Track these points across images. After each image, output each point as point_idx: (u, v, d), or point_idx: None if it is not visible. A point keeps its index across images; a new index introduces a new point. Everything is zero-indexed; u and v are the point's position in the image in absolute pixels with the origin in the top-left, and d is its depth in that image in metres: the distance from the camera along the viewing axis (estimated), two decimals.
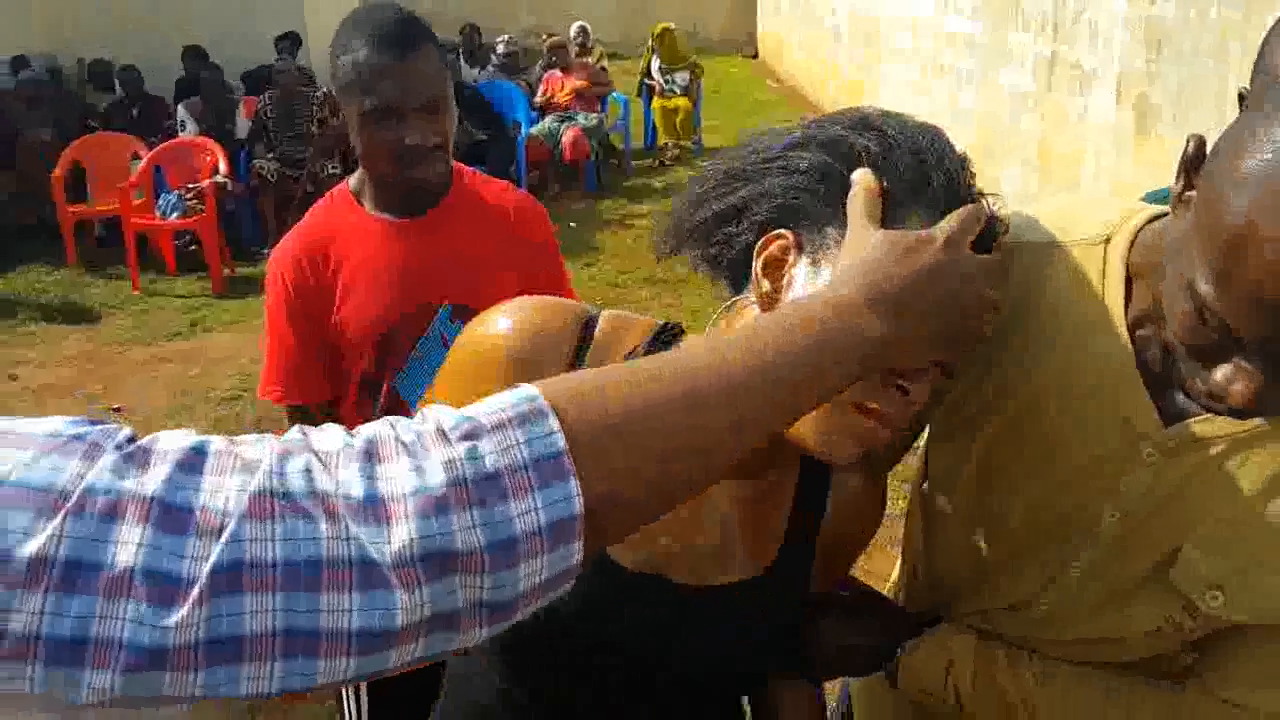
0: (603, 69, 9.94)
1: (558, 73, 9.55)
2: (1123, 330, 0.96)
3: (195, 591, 0.52)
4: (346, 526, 0.55)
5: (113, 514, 0.52)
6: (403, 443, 0.59)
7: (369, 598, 0.55)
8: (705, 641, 1.01)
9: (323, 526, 0.55)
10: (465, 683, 1.12)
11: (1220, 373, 0.82)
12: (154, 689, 0.52)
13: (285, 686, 0.55)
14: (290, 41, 9.05)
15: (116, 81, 8.96)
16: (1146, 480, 0.95)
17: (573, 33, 10.39)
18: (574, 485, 0.59)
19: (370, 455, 0.59)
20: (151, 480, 0.54)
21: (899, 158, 0.88)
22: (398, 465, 0.58)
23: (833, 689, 1.29)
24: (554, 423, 0.60)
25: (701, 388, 0.65)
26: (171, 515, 0.53)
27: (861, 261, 0.79)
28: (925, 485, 1.19)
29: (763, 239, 0.90)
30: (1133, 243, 0.98)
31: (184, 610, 0.52)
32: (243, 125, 8.10)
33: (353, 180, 1.85)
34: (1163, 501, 0.95)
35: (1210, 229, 0.75)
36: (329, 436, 0.60)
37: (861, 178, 0.86)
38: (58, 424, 0.56)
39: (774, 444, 1.01)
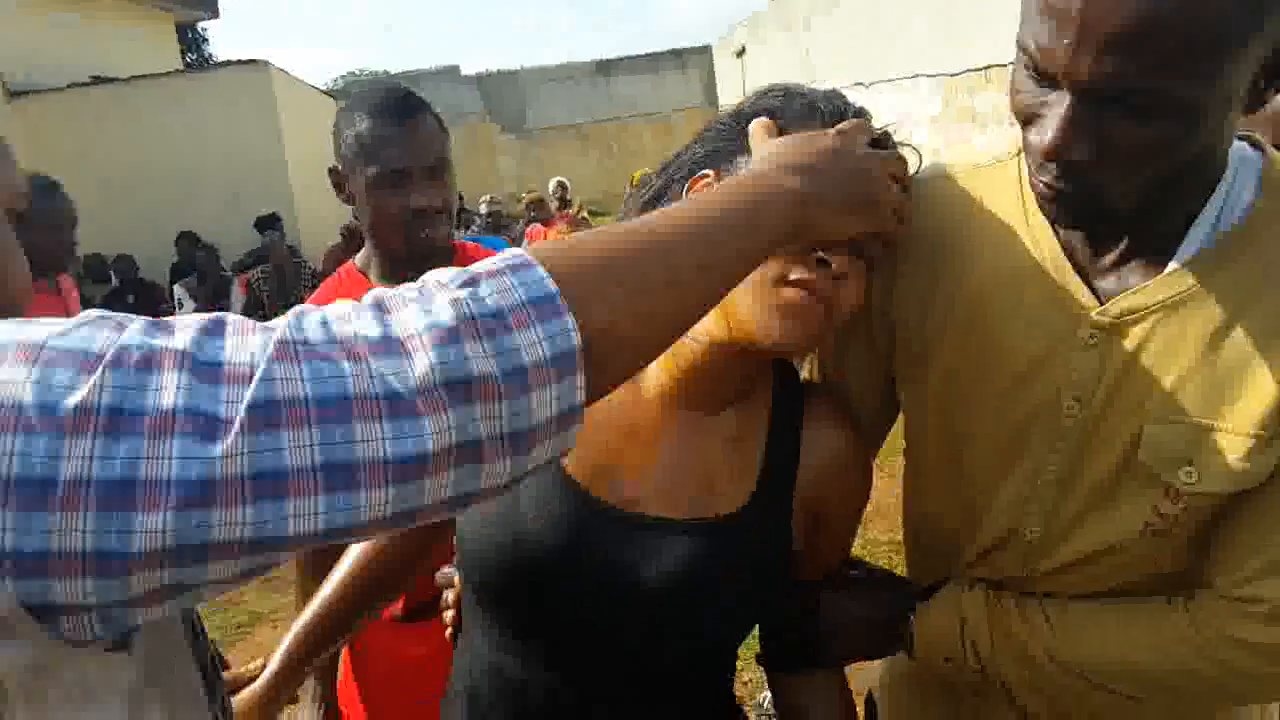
0: (584, 219, 10.24)
1: (539, 225, 9.82)
2: (1045, 225, 0.98)
3: (236, 427, 0.54)
4: (369, 363, 0.59)
5: (149, 364, 0.55)
6: (408, 295, 0.64)
7: (398, 425, 0.58)
8: (677, 577, 1.00)
9: (346, 365, 0.58)
10: (461, 672, 1.14)
11: (1033, 131, 0.87)
12: (204, 531, 0.54)
13: (330, 524, 0.57)
14: (274, 219, 9.37)
15: (111, 272, 9.21)
16: (1093, 363, 0.95)
17: (551, 188, 10.76)
18: (570, 320, 0.63)
19: (380, 306, 0.63)
20: (180, 339, 0.57)
21: (793, 103, 1.01)
22: (407, 310, 0.62)
23: (859, 693, 1.23)
24: (542, 270, 0.65)
25: (664, 235, 0.73)
26: (202, 368, 0.56)
27: (771, 150, 0.90)
28: (907, 442, 1.18)
29: (689, 182, 1.03)
30: None
31: (228, 441, 0.54)
32: (238, 300, 8.30)
33: (359, 258, 1.88)
34: (1114, 383, 0.94)
35: None
36: (336, 304, 0.64)
37: (758, 119, 0.99)
38: (87, 311, 0.59)
39: (742, 382, 1.06)
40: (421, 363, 0.59)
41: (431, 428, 0.59)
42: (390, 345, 0.60)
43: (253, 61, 10.46)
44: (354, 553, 1.24)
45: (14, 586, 0.53)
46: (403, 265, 1.79)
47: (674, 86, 17.62)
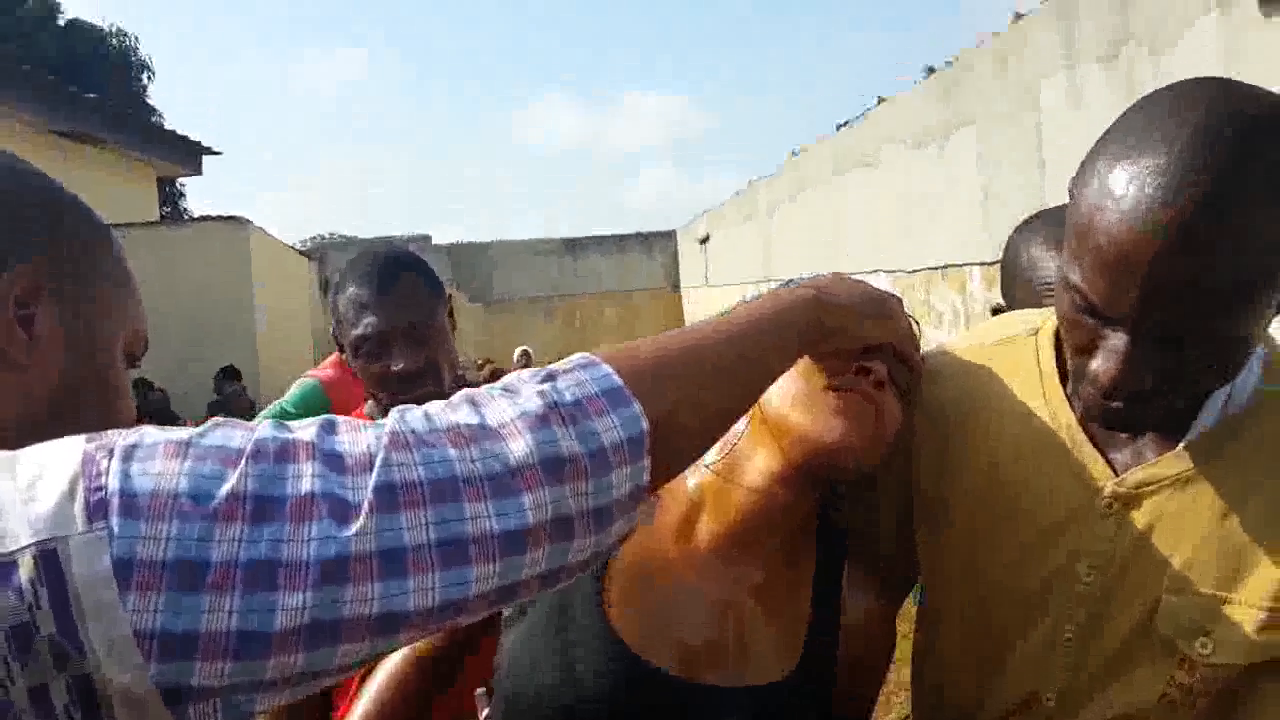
0: None
1: None
2: (1063, 400, 1.05)
3: (364, 509, 0.60)
4: (471, 448, 0.65)
5: (284, 455, 0.61)
6: (495, 391, 0.72)
7: (502, 503, 0.64)
8: None
9: (451, 451, 0.65)
10: None
11: (1094, 362, 0.92)
12: (338, 608, 0.59)
13: (446, 598, 0.63)
14: (234, 372, 9.35)
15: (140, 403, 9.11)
16: (1110, 531, 1.00)
17: (515, 356, 10.87)
18: (637, 407, 0.72)
19: (473, 401, 0.70)
20: (305, 434, 0.63)
21: None
22: (498, 403, 0.69)
23: None
24: (608, 367, 0.74)
25: (707, 336, 0.82)
26: (330, 457, 0.62)
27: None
28: (920, 599, 1.21)
29: None
30: (1058, 331, 1.07)
31: (359, 523, 0.60)
32: None
33: (367, 407, 1.91)
34: (1131, 552, 0.99)
35: (1070, 226, 0.92)
36: (432, 403, 0.71)
37: None
38: (213, 419, 0.65)
39: (792, 536, 1.09)
40: (518, 446, 0.66)
41: (530, 503, 0.65)
42: (489, 432, 0.67)
43: (234, 218, 10.68)
44: (386, 690, 1.22)
45: (155, 668, 0.56)
46: None
47: (638, 267, 18.17)
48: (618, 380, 0.72)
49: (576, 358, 0.75)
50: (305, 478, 0.60)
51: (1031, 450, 1.05)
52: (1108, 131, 0.91)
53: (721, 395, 0.81)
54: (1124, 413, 0.94)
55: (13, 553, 0.55)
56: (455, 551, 0.63)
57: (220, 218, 10.87)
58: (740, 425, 1.09)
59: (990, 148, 5.91)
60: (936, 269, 6.70)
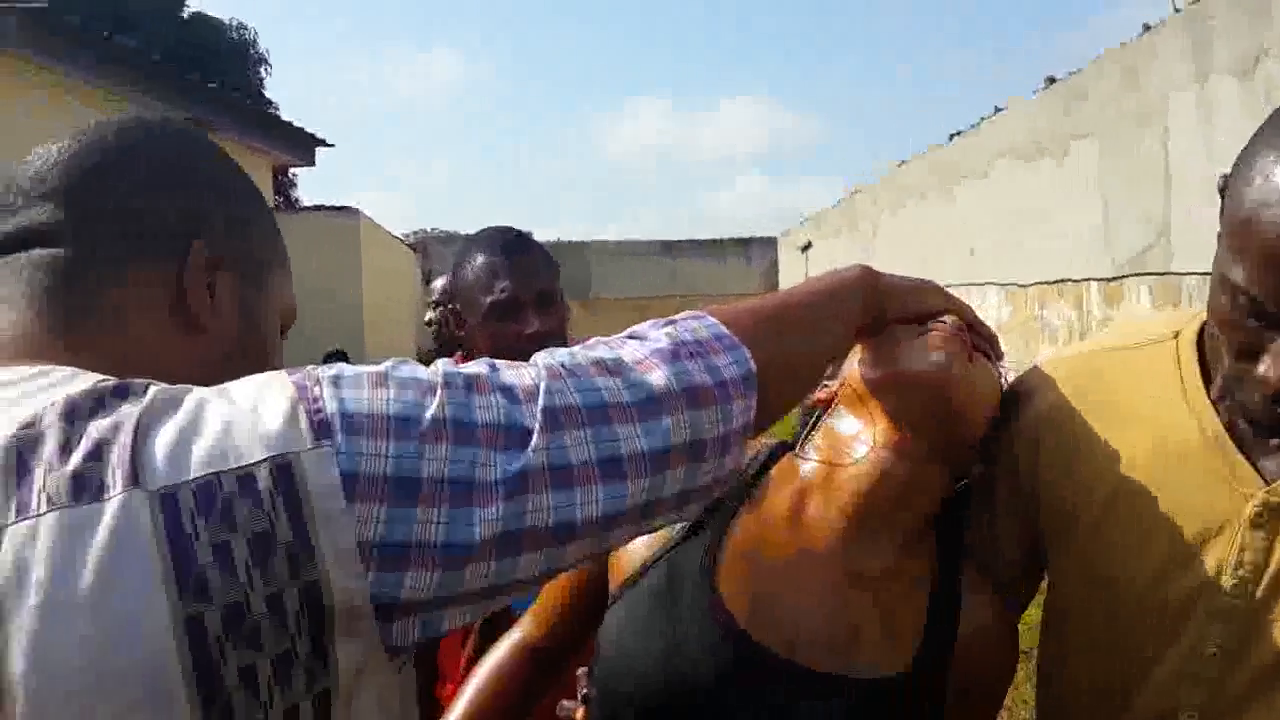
0: None
1: None
2: (1208, 405, 1.01)
3: (536, 432, 0.67)
4: (617, 379, 0.73)
5: (470, 388, 0.68)
6: (621, 337, 0.80)
7: (649, 425, 0.72)
8: None
9: (599, 380, 0.72)
10: None
11: (1261, 366, 0.90)
12: (521, 519, 0.66)
13: (606, 510, 0.70)
14: (341, 355, 9.58)
15: None
16: (1262, 543, 0.96)
17: None
18: (745, 351, 0.81)
19: (607, 344, 0.79)
20: (476, 370, 0.71)
21: None
22: (630, 344, 0.78)
23: None
24: (713, 318, 0.83)
25: (790, 299, 0.94)
26: (504, 389, 0.69)
27: None
28: (1046, 613, 1.18)
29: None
30: (1199, 333, 1.05)
31: (534, 442, 0.67)
32: None
33: None
34: None
35: (1230, 222, 0.90)
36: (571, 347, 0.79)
37: None
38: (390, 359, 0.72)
39: (908, 545, 1.08)
40: (657, 376, 0.74)
41: (672, 425, 0.73)
42: (628, 366, 0.75)
43: (345, 208, 10.97)
44: (487, 679, 1.26)
45: (373, 577, 0.61)
46: None
47: (736, 271, 18.13)
48: (725, 329, 0.81)
49: (686, 313, 0.84)
50: (491, 408, 0.67)
51: (1172, 457, 1.01)
52: (1266, 124, 0.89)
53: (807, 346, 0.91)
54: None
55: (249, 466, 0.60)
56: (613, 467, 0.70)
57: (332, 208, 11.19)
58: (839, 414, 1.12)
59: (1112, 162, 5.74)
60: (1051, 284, 6.54)
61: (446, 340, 3.66)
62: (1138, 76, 5.48)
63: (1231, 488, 0.98)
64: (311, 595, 0.59)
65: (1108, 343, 1.15)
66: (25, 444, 0.60)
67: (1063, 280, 6.35)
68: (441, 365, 0.70)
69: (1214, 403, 1.01)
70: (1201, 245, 4.39)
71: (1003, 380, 1.13)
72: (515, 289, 1.82)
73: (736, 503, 1.12)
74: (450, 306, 1.93)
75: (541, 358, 0.74)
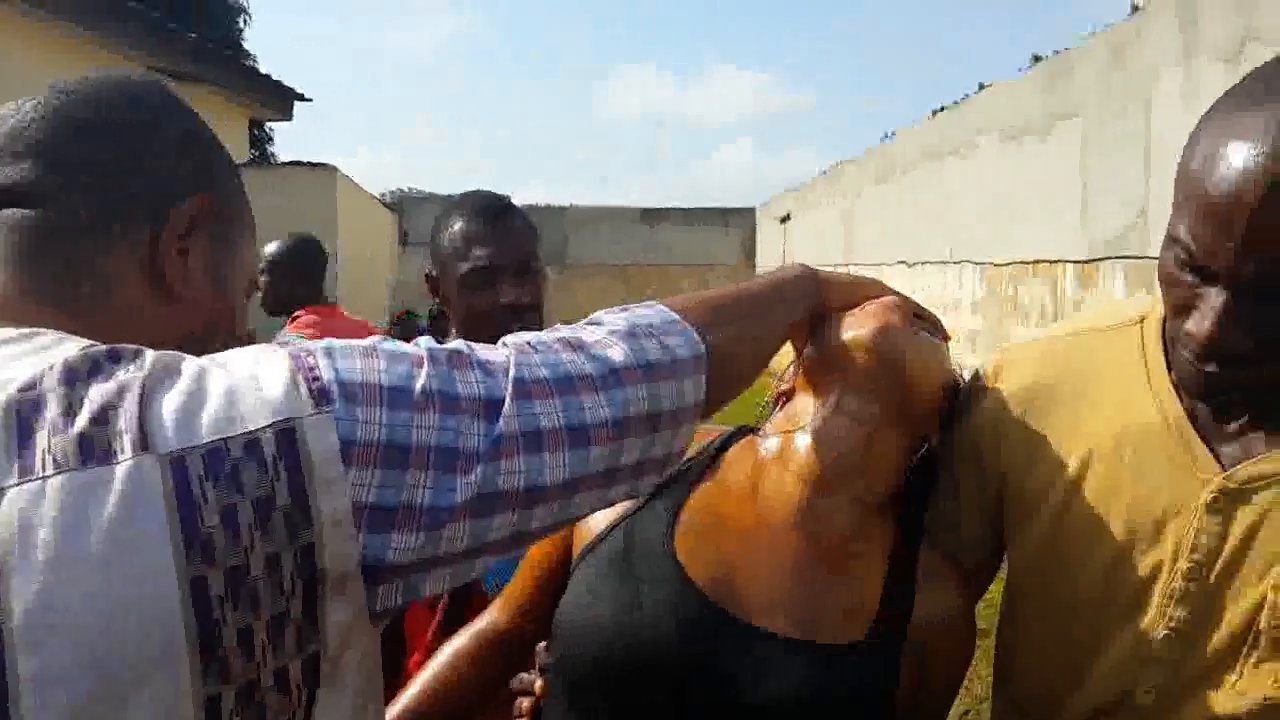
0: None
1: None
2: (1170, 390, 1.02)
3: (507, 400, 0.73)
4: (579, 354, 0.79)
5: (453, 363, 0.73)
6: (581, 324, 0.86)
7: (612, 395, 0.79)
8: (787, 695, 1.00)
9: (565, 355, 0.79)
10: None
11: (1189, 321, 0.93)
12: (495, 480, 0.71)
13: (572, 474, 0.76)
14: None
15: None
16: (1217, 527, 0.97)
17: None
18: (695, 334, 0.88)
19: (569, 327, 0.85)
20: (456, 347, 0.76)
21: None
22: (588, 329, 0.85)
23: None
24: (664, 307, 0.90)
25: (742, 290, 1.01)
26: (481, 365, 0.74)
27: None
28: (1005, 593, 1.19)
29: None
30: (1164, 320, 1.05)
31: (505, 410, 0.72)
32: None
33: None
34: (1239, 547, 0.96)
35: (1179, 177, 0.94)
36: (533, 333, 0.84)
37: None
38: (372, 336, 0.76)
39: (865, 516, 1.10)
40: (616, 353, 0.81)
41: (633, 396, 0.80)
42: (589, 345, 0.81)
43: (322, 165, 10.81)
44: (444, 662, 1.25)
45: (363, 539, 0.65)
46: None
47: (715, 242, 18.08)
48: (676, 315, 0.89)
49: (638, 304, 0.91)
50: (471, 382, 0.72)
51: (1133, 442, 1.03)
52: (1219, 99, 0.93)
53: (753, 332, 0.97)
54: (1221, 379, 0.92)
55: (255, 431, 0.63)
56: (579, 434, 0.76)
57: (309, 164, 11.02)
58: (797, 398, 1.16)
59: (1095, 142, 5.74)
60: (1026, 263, 6.56)
61: (274, 310, 3.73)
62: (1125, 57, 5.46)
63: (1190, 473, 0.99)
64: (306, 558, 0.63)
65: (1077, 326, 1.16)
66: (26, 406, 0.61)
67: (1038, 261, 6.36)
68: (424, 342, 0.74)
69: (1175, 387, 1.02)
70: None
71: (955, 366, 1.16)
72: (492, 258, 1.77)
73: (696, 475, 1.14)
74: (429, 273, 1.88)
75: (510, 339, 0.80)
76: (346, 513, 0.64)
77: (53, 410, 0.61)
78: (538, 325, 1.79)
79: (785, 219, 15.59)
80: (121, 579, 0.57)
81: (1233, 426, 1.00)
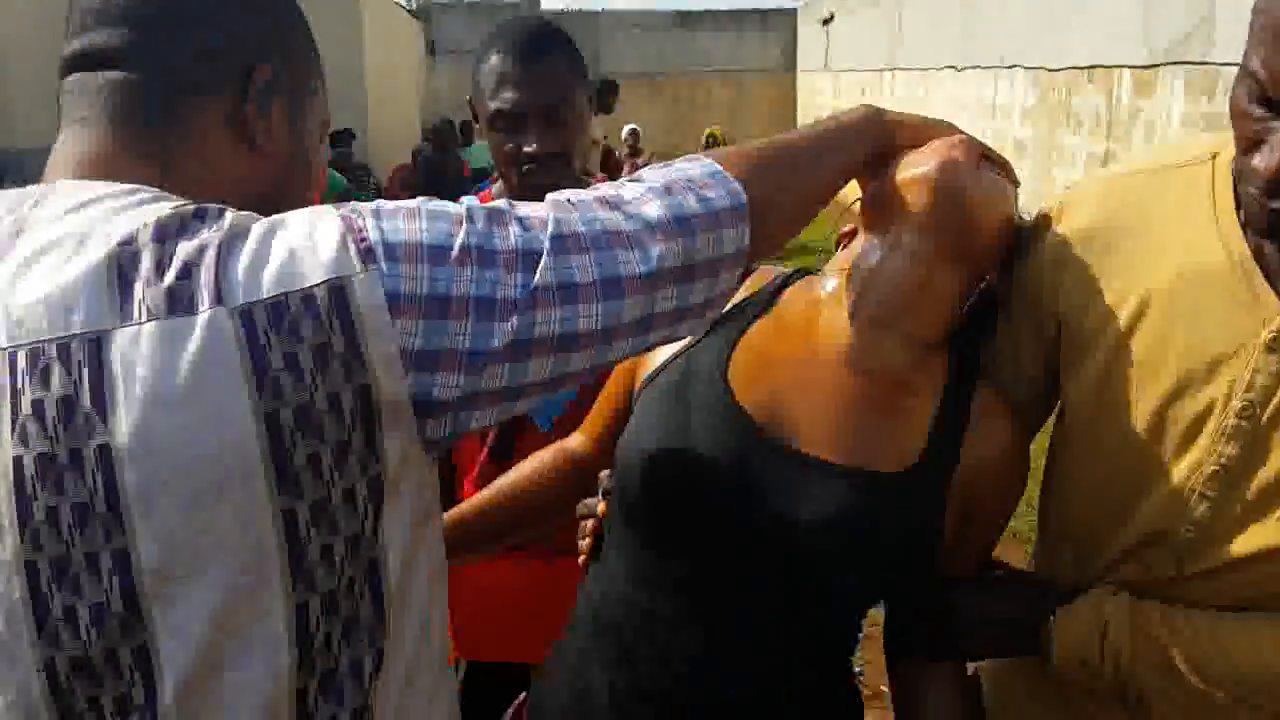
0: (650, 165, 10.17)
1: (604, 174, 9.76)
2: (1237, 228, 0.99)
3: (545, 254, 0.78)
4: (617, 212, 0.83)
5: (490, 220, 0.78)
6: (621, 181, 0.89)
7: (646, 252, 0.82)
8: (830, 520, 1.03)
9: (603, 213, 0.82)
10: (589, 597, 1.19)
11: (1256, 157, 0.91)
12: (531, 329, 0.77)
13: (604, 324, 0.80)
14: (348, 135, 9.38)
15: None
16: (1275, 366, 0.96)
17: (624, 135, 10.69)
18: (738, 185, 0.89)
19: (609, 186, 0.87)
20: (496, 205, 0.81)
21: None
22: (628, 185, 0.88)
23: None
24: (709, 159, 0.92)
25: (793, 139, 1.02)
26: (520, 220, 0.79)
27: None
28: (1057, 432, 1.19)
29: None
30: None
31: (542, 263, 0.78)
32: None
33: (495, 188, 1.86)
34: None
35: (1255, 7, 0.89)
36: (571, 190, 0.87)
37: None
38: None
39: (919, 353, 1.11)
40: (652, 209, 0.84)
41: (666, 251, 0.83)
42: (627, 201, 0.84)
43: None
44: (526, 471, 1.35)
45: (411, 379, 0.73)
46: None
47: (753, 47, 17.40)
48: (719, 167, 0.90)
49: (682, 158, 0.92)
50: (510, 237, 0.77)
51: (1194, 281, 1.01)
52: None
53: (802, 180, 0.98)
54: None
55: (310, 287, 0.71)
56: (612, 287, 0.80)
57: None
58: (859, 238, 1.15)
59: None
60: (1082, 69, 6.26)
61: None
62: None
63: (1251, 311, 0.98)
64: (363, 396, 0.72)
65: (1147, 164, 1.13)
66: (125, 259, 0.71)
67: (1094, 66, 6.06)
68: (466, 201, 0.81)
69: (1244, 226, 0.99)
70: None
71: (1018, 210, 1.13)
72: (518, 103, 1.66)
73: (754, 312, 1.17)
74: (470, 98, 1.79)
75: (551, 196, 0.84)
76: (395, 357, 0.72)
77: (147, 265, 0.70)
78: (567, 174, 1.72)
79: (828, 21, 14.92)
80: (203, 412, 0.68)
81: None
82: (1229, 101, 0.94)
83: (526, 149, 1.67)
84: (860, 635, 1.19)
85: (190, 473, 0.68)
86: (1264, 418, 0.97)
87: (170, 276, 0.70)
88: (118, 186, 0.77)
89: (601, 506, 1.23)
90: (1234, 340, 0.98)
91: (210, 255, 0.71)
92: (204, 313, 0.69)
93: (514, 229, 0.78)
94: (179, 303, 0.69)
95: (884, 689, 1.23)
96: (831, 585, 1.06)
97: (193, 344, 0.68)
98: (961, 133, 1.13)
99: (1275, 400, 0.97)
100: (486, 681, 1.88)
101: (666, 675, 1.09)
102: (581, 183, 1.73)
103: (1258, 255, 0.98)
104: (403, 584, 0.79)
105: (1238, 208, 1.00)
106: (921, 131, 1.12)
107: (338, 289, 0.71)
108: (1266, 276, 0.98)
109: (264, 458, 0.69)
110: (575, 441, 1.36)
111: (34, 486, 0.69)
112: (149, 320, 0.69)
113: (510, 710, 1.29)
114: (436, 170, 7.49)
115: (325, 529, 0.72)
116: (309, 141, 0.93)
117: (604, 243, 0.80)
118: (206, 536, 0.69)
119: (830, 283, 1.15)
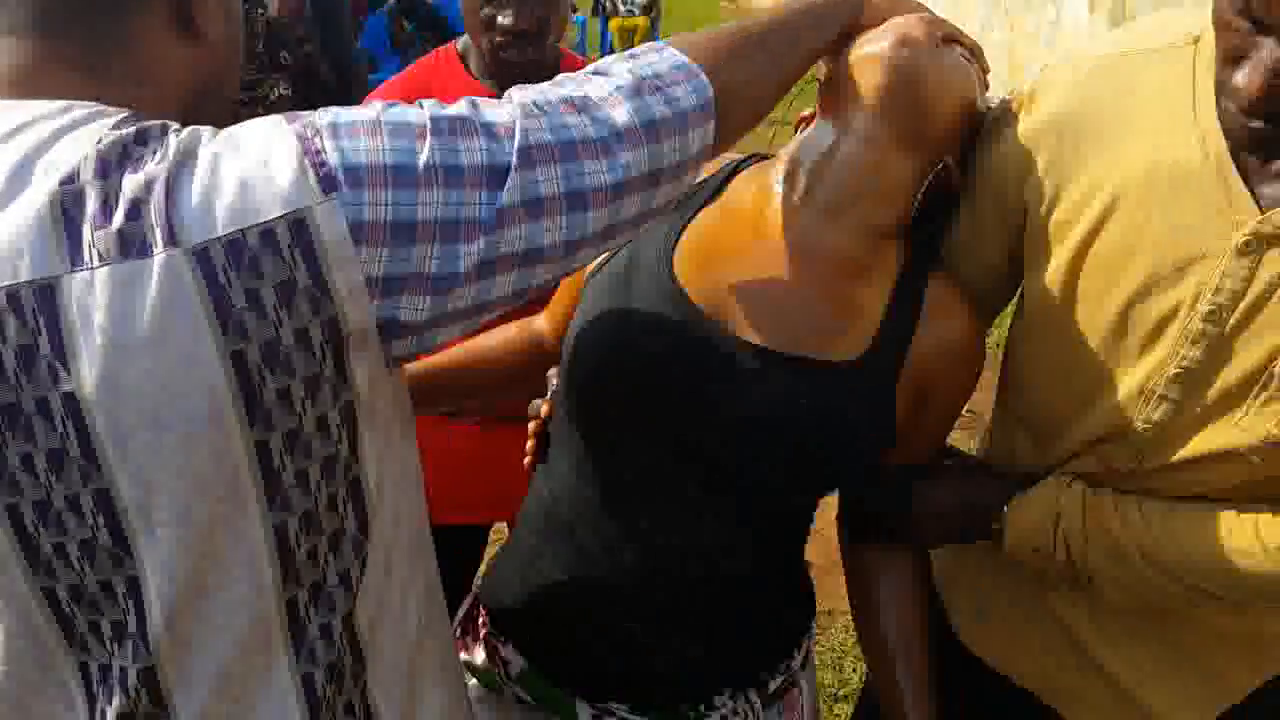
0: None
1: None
2: (1215, 124, 0.95)
3: (512, 170, 0.75)
4: (584, 116, 0.80)
5: (456, 131, 0.75)
6: (588, 72, 0.86)
7: (613, 161, 0.80)
8: (777, 408, 1.02)
9: (570, 118, 0.79)
10: (538, 495, 1.18)
11: (1238, 74, 0.88)
12: (497, 246, 0.75)
13: (569, 237, 0.79)
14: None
15: None
16: (1245, 271, 0.93)
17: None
18: (704, 78, 0.86)
19: (574, 80, 0.84)
20: (462, 109, 0.77)
21: None
22: (595, 80, 0.84)
23: None
24: (674, 49, 0.88)
25: (758, 24, 0.96)
26: (487, 129, 0.76)
27: None
28: (1017, 321, 1.17)
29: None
30: None
31: (509, 181, 0.75)
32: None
33: (460, 42, 1.79)
34: (1263, 293, 0.93)
35: None
36: (539, 85, 0.84)
37: None
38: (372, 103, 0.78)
39: (871, 241, 1.07)
40: (620, 113, 0.81)
41: (633, 159, 0.80)
42: (594, 103, 0.81)
43: None
44: (495, 342, 1.33)
45: (377, 304, 0.72)
46: (497, 70, 1.69)
47: None
48: (685, 58, 0.87)
49: (646, 45, 0.89)
50: (475, 151, 0.74)
51: (1167, 177, 0.97)
52: None
53: (769, 67, 0.95)
54: (1265, 135, 0.88)
55: (269, 222, 0.68)
56: (577, 200, 0.78)
57: None
58: (815, 123, 1.10)
59: None
60: None
61: None
62: None
63: (1224, 214, 0.95)
64: (331, 327, 0.70)
65: (1125, 44, 1.06)
66: (69, 199, 0.67)
67: None
68: (428, 107, 0.76)
69: (1222, 119, 0.95)
70: None
71: (985, 96, 1.08)
72: None
73: (701, 200, 1.13)
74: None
75: (516, 94, 0.81)
76: (361, 286, 0.71)
77: (92, 204, 0.67)
78: (539, 51, 1.64)
79: None
80: (169, 357, 0.66)
81: (1276, 166, 0.93)
82: (1212, 8, 0.90)
83: (503, 20, 1.59)
84: (812, 524, 1.18)
85: (160, 416, 0.67)
86: (1229, 322, 0.95)
87: (119, 217, 0.67)
88: (51, 105, 0.72)
89: (545, 407, 1.21)
90: (1204, 242, 0.95)
91: (159, 190, 0.67)
92: (159, 255, 0.66)
93: (480, 141, 0.75)
94: (131, 245, 0.66)
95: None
96: (779, 474, 1.05)
97: (151, 289, 0.66)
98: (927, 10, 1.07)
99: (1242, 305, 0.94)
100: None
101: (617, 569, 1.08)
102: (555, 58, 1.69)
103: (1234, 152, 0.95)
104: (380, 489, 0.79)
105: (1218, 101, 0.95)
106: (888, 9, 1.06)
107: (298, 222, 0.68)
108: (1242, 175, 0.94)
109: (234, 396, 0.68)
110: (539, 323, 1.32)
111: (4, 436, 0.68)
112: (101, 265, 0.66)
113: (461, 610, 1.28)
114: None
115: (300, 455, 0.72)
116: (235, 26, 0.88)
117: (571, 154, 0.78)
118: (182, 475, 0.69)
119: (782, 169, 1.10)
